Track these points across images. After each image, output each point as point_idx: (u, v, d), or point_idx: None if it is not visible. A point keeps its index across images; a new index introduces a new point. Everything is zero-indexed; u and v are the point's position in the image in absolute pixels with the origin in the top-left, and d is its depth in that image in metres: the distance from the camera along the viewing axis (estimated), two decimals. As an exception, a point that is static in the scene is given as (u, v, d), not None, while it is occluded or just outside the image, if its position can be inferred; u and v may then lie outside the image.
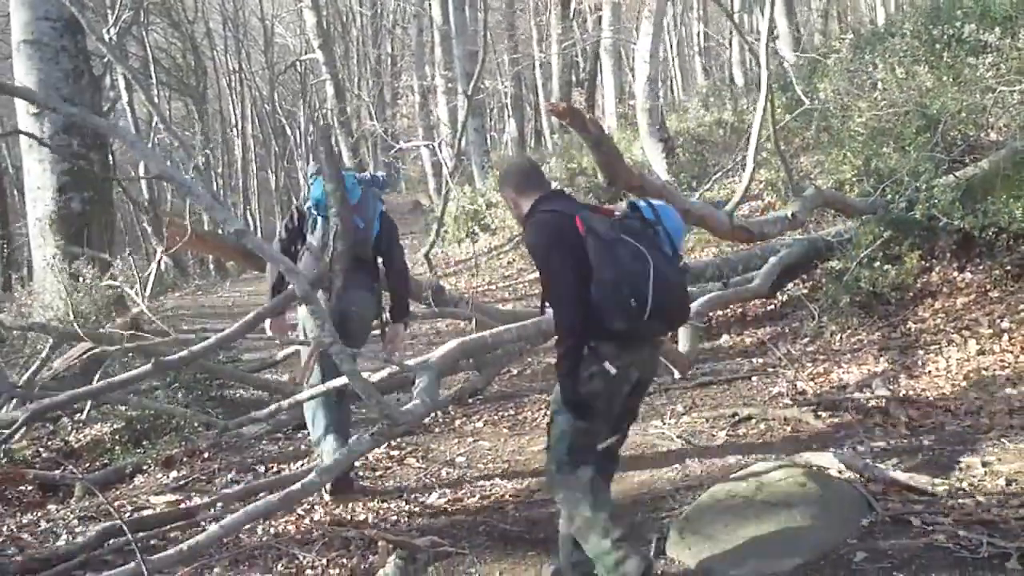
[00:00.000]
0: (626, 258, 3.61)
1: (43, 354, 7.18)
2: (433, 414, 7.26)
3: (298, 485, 4.02)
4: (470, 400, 7.68)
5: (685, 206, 6.60)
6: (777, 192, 11.77)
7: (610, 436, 3.97)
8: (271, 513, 4.29)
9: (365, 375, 4.37)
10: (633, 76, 19.10)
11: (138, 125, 25.29)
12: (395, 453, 6.49)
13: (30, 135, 9.43)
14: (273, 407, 5.23)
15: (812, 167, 12.19)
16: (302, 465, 6.31)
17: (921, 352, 6.79)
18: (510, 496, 5.50)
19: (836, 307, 7.80)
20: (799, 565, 3.98)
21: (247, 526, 5.14)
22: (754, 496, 4.55)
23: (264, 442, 7.03)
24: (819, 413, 5.95)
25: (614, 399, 3.82)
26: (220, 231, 10.41)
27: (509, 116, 31.11)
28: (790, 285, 8.96)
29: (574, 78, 24.71)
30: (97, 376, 7.20)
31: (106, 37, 16.32)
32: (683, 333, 7.23)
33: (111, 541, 5.11)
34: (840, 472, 4.78)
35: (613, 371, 3.68)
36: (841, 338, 7.53)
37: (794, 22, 21.39)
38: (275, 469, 6.45)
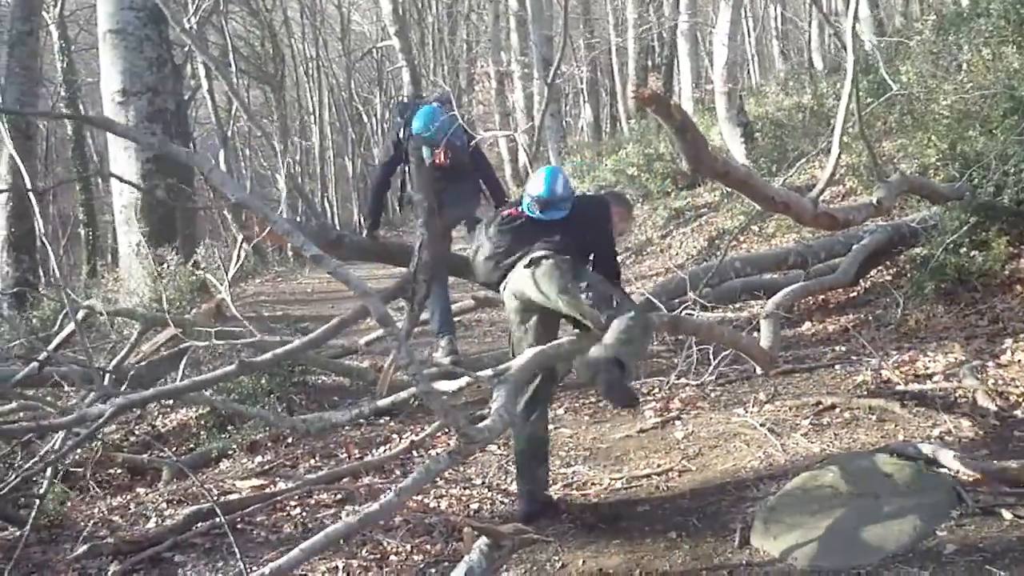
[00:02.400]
0: None
1: (132, 339, 7.32)
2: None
3: (376, 506, 3.99)
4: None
5: (769, 194, 6.51)
6: (859, 177, 11.59)
7: None
8: (351, 533, 4.28)
9: (439, 387, 4.38)
10: (710, 60, 18.94)
11: (218, 113, 25.60)
12: (477, 439, 6.53)
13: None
14: (355, 411, 5.24)
15: (895, 151, 11.98)
16: (385, 451, 6.37)
17: (1010, 340, 6.64)
18: (592, 484, 5.51)
19: (921, 294, 7.68)
20: (887, 557, 3.93)
21: (333, 511, 5.25)
22: (840, 486, 4.51)
23: (347, 428, 7.11)
24: (905, 402, 5.86)
25: None
26: (301, 220, 10.52)
27: (585, 102, 31.06)
28: (873, 272, 8.83)
29: (650, 63, 24.54)
30: (183, 364, 7.33)
31: (187, 26, 16.52)
32: (764, 326, 7.16)
33: (198, 524, 5.22)
34: (928, 462, 4.71)
35: None
36: (926, 326, 7.40)
37: (875, 5, 21.02)
38: (357, 455, 6.52)
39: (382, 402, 5.08)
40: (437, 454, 4.61)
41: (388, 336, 3.64)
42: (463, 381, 4.53)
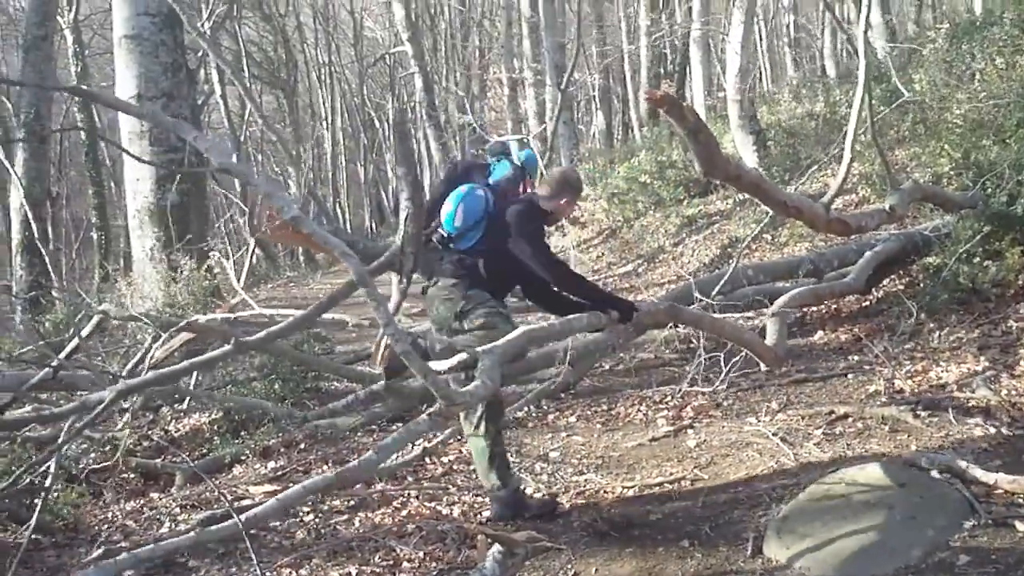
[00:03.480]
0: None
1: (146, 344, 7.34)
2: (526, 409, 7.30)
3: (354, 462, 4.09)
4: (563, 395, 7.70)
5: (781, 198, 6.52)
6: (872, 185, 11.57)
7: None
8: (329, 487, 4.38)
9: (435, 365, 4.42)
10: (722, 68, 18.93)
11: (231, 118, 25.70)
12: (489, 447, 6.53)
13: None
14: (350, 397, 5.27)
15: (908, 160, 11.97)
16: (397, 458, 6.38)
17: (1023, 351, 6.64)
18: (604, 492, 5.51)
19: (934, 304, 7.65)
20: (900, 568, 3.93)
21: (346, 517, 5.26)
22: (853, 496, 4.50)
23: (359, 434, 7.12)
24: (918, 412, 5.84)
25: None
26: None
27: (597, 109, 31.06)
28: (886, 281, 8.81)
29: (662, 70, 24.55)
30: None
31: (202, 31, 16.61)
32: (770, 325, 7.16)
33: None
34: (941, 473, 4.69)
35: None
36: (939, 336, 7.38)
37: (888, 11, 20.99)
38: (369, 460, 6.52)
39: (376, 386, 5.13)
40: (417, 418, 4.58)
41: (369, 299, 3.68)
42: (458, 359, 4.55)
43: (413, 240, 5.47)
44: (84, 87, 14.92)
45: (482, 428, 5.13)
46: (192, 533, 4.08)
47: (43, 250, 14.99)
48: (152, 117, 6.85)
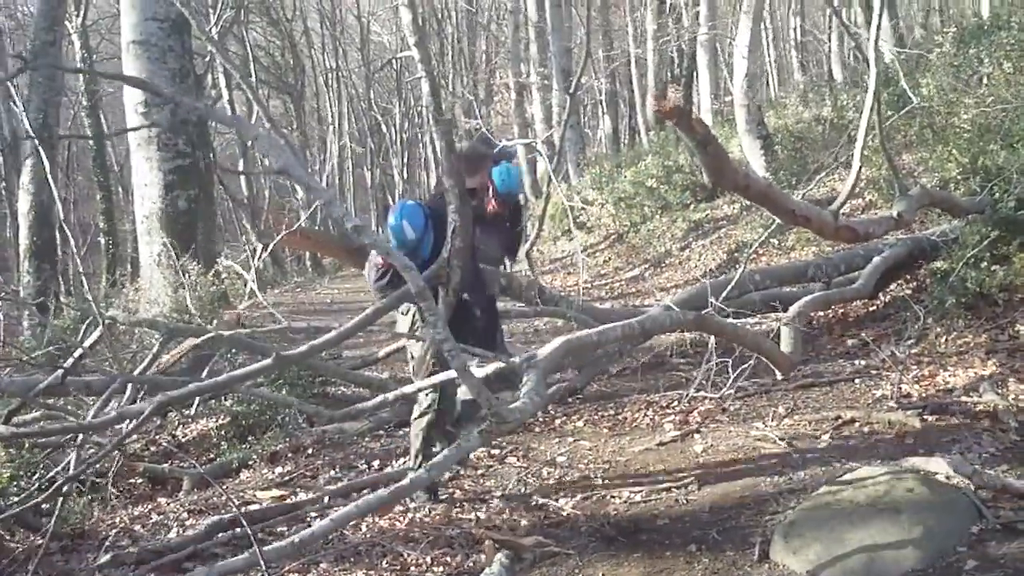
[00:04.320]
0: None
1: (154, 349, 7.35)
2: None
3: (406, 480, 4.10)
4: (570, 400, 7.70)
5: (789, 206, 6.52)
6: (879, 191, 11.55)
7: None
8: (382, 507, 4.40)
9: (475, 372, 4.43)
10: (729, 72, 18.94)
11: (237, 124, 25.74)
12: (496, 452, 6.54)
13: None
14: (379, 399, 5.29)
15: (915, 164, 11.95)
16: (404, 462, 6.39)
17: (1031, 355, 6.63)
18: (612, 497, 5.51)
19: (941, 308, 7.63)
20: (908, 572, 3.93)
21: (352, 522, 5.26)
22: (860, 501, 4.49)
23: (366, 439, 7.13)
24: (925, 417, 5.83)
25: None
26: (319, 227, 10.57)
27: (604, 113, 31.00)
28: (893, 286, 8.80)
29: (669, 74, 24.53)
30: (204, 374, 7.37)
31: (210, 35, 16.62)
32: (784, 332, 7.15)
33: (220, 534, 5.24)
34: (948, 478, 4.68)
35: None
36: (947, 340, 7.37)
37: (895, 16, 20.97)
38: (377, 466, 6.54)
39: (406, 388, 5.18)
40: (467, 434, 4.62)
41: (426, 312, 3.69)
42: (494, 366, 4.57)
43: (460, 253, 5.50)
44: (102, 124, 14.98)
45: (430, 414, 5.70)
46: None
47: (59, 254, 15.04)
48: (201, 112, 6.86)
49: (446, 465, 4.42)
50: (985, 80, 11.39)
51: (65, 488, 4.90)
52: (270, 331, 6.48)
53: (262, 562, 3.47)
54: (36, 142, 13.67)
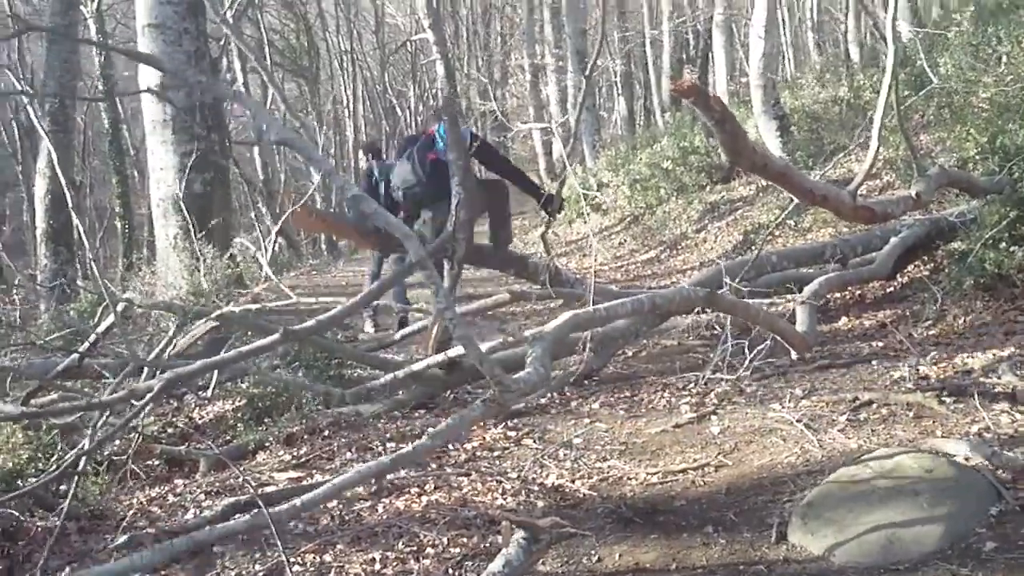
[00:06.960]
0: None
1: (170, 332, 7.36)
2: (550, 395, 7.29)
3: (409, 447, 4.13)
4: (586, 382, 7.68)
5: (807, 186, 6.48)
6: (897, 171, 11.50)
7: None
8: (383, 472, 4.43)
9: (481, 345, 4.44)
10: (745, 53, 18.86)
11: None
12: (512, 434, 6.53)
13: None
14: (388, 377, 5.31)
15: (933, 144, 11.89)
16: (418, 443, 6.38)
17: (1050, 336, 6.59)
18: (628, 478, 5.50)
19: (959, 290, 7.60)
20: (927, 553, 3.91)
21: (369, 504, 5.28)
22: (878, 482, 4.47)
23: (383, 421, 7.13)
24: (943, 398, 5.79)
25: None
26: (336, 210, 10.59)
27: (619, 94, 30.93)
28: (910, 267, 8.76)
29: (685, 55, 24.47)
30: (224, 350, 7.38)
31: (226, 18, 16.64)
32: (800, 312, 7.12)
33: (237, 515, 5.25)
34: (967, 459, 4.65)
35: None
36: (965, 321, 7.33)
37: (913, -5, 20.84)
38: (393, 448, 6.54)
39: (415, 366, 5.17)
40: (472, 403, 4.62)
41: (428, 283, 3.69)
42: (497, 340, 4.58)
43: (465, 226, 5.52)
44: (118, 108, 15.03)
45: None
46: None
47: (75, 238, 15.12)
48: (207, 87, 6.92)
49: (448, 433, 4.42)
50: (1004, 59, 11.30)
51: (80, 467, 4.90)
52: (279, 307, 6.46)
53: (270, 522, 3.50)
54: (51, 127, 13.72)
